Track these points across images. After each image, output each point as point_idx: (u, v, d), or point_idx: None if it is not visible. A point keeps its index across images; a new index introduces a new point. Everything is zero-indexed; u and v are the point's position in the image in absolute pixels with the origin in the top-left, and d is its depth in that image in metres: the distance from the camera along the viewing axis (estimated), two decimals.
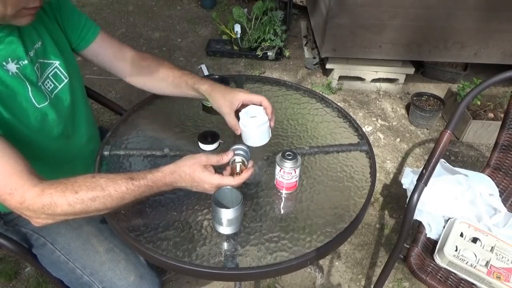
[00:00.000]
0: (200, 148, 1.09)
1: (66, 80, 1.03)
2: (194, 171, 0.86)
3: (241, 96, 1.00)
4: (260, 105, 1.00)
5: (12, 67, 0.88)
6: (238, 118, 1.03)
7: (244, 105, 1.01)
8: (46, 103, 0.96)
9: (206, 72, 1.22)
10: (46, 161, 1.00)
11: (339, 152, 1.11)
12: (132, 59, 1.15)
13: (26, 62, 0.91)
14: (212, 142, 1.08)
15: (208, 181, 0.86)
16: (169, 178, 0.86)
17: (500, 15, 2.41)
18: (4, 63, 0.87)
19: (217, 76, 1.21)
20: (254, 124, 0.99)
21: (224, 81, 1.19)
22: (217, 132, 1.11)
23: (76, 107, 1.07)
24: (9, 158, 0.79)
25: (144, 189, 0.84)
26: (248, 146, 0.92)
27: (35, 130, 0.95)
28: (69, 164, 1.08)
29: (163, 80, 1.14)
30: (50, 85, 0.99)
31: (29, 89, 0.92)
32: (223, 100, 1.00)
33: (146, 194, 0.85)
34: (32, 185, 0.79)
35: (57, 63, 1.01)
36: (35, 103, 0.93)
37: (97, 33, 1.11)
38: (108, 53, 1.13)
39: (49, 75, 0.99)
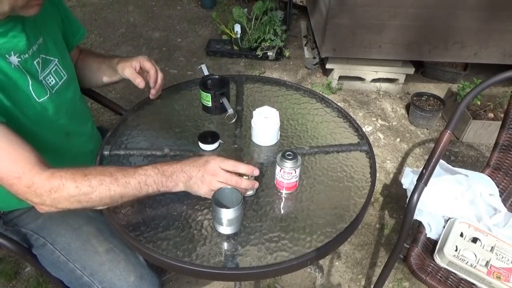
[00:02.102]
0: (200, 148, 1.09)
1: (65, 77, 1.05)
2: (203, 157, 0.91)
3: (139, 58, 1.12)
4: (149, 72, 1.12)
5: (14, 60, 0.90)
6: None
7: (142, 69, 1.13)
8: (46, 97, 0.98)
9: (206, 72, 1.22)
10: (47, 156, 1.00)
11: (339, 152, 1.11)
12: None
13: (27, 56, 0.93)
14: (212, 142, 1.08)
15: (215, 158, 0.89)
16: (175, 163, 0.88)
17: (500, 15, 2.41)
18: (7, 56, 0.89)
19: (217, 76, 1.21)
20: (266, 124, 1.07)
21: (224, 81, 1.19)
22: (217, 132, 1.11)
23: (74, 105, 1.10)
24: (13, 144, 0.82)
25: (151, 172, 0.86)
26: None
27: (36, 122, 0.96)
28: (70, 162, 1.08)
29: (91, 72, 1.21)
30: (52, 80, 1.01)
31: (30, 82, 0.93)
32: (125, 64, 1.12)
33: (150, 181, 0.86)
34: (41, 170, 0.81)
35: (56, 60, 1.03)
36: (35, 96, 0.95)
37: (84, 36, 1.20)
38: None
39: (52, 71, 1.01)
